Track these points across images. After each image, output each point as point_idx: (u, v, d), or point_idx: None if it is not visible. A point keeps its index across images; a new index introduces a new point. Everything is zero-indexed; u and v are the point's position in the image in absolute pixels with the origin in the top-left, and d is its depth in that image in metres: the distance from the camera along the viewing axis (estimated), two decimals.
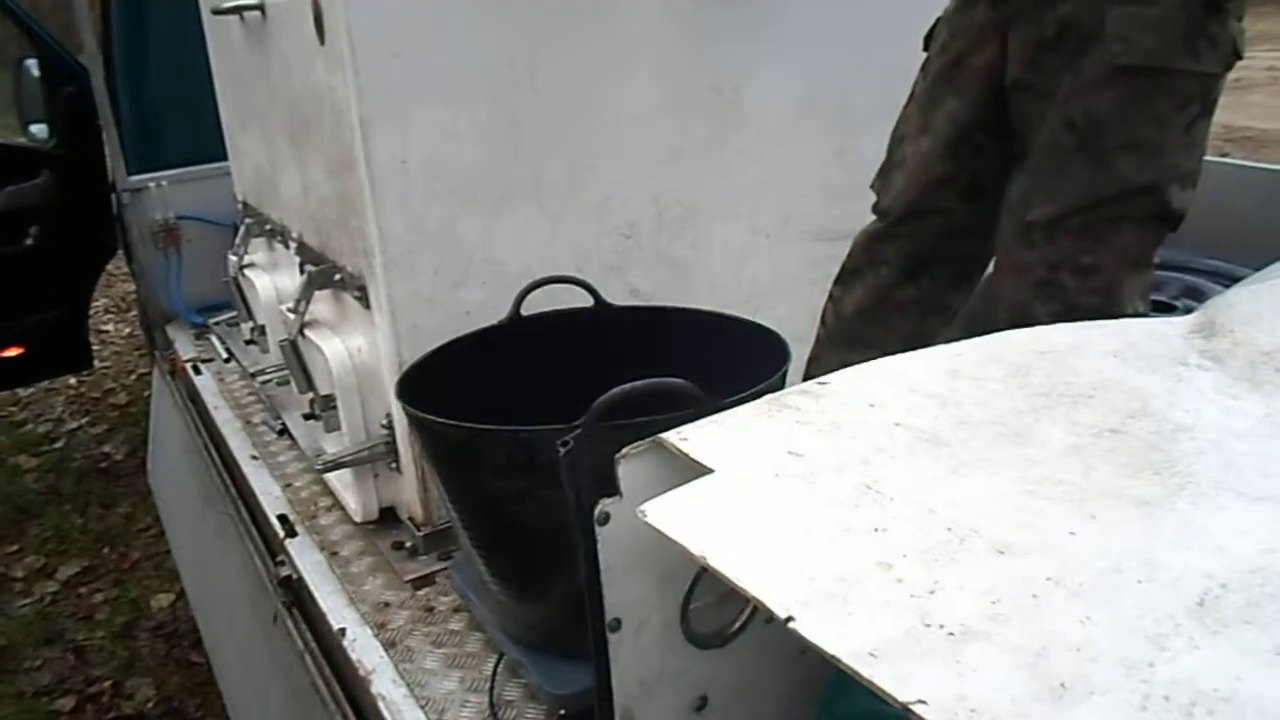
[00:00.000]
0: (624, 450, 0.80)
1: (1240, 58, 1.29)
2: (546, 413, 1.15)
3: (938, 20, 1.50)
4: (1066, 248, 1.31)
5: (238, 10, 1.93)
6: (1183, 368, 0.95)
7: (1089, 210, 1.29)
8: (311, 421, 1.89)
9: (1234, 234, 2.29)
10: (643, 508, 0.67)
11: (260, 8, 1.89)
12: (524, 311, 1.51)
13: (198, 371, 2.71)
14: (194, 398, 2.61)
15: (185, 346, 2.94)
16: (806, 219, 1.92)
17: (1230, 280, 2.08)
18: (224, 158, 2.67)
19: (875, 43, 1.85)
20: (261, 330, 2.32)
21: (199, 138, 2.94)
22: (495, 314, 1.53)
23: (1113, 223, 1.29)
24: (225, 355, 2.77)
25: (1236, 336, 0.97)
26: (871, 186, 1.58)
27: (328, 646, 1.54)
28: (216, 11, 2.02)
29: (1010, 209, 1.37)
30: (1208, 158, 2.58)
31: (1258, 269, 1.22)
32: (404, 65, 1.52)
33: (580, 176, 1.69)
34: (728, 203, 1.84)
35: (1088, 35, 1.24)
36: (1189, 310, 2.13)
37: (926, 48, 1.52)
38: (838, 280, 1.64)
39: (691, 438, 0.79)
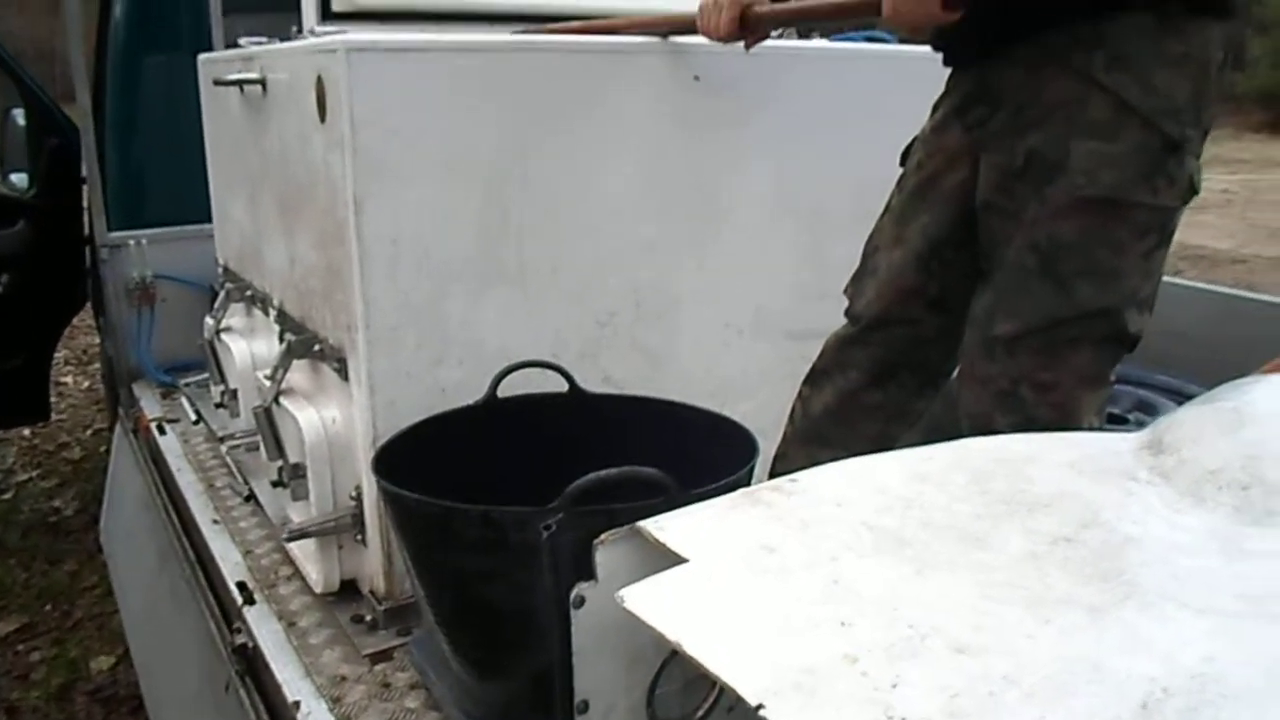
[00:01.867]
0: (602, 536, 0.83)
1: (1197, 193, 1.38)
2: (518, 494, 1.18)
3: (914, 139, 1.58)
4: (1027, 364, 1.37)
5: (239, 83, 1.99)
6: (1133, 482, 1.00)
7: (1049, 330, 1.35)
8: (278, 489, 1.89)
9: (1184, 352, 2.38)
10: (621, 593, 0.70)
11: (262, 82, 1.94)
12: (500, 393, 1.54)
13: (162, 431, 2.70)
14: (156, 458, 2.59)
15: (151, 405, 2.93)
16: (779, 316, 1.98)
17: (1180, 396, 2.16)
18: (206, 219, 2.70)
19: (850, 151, 1.94)
20: (233, 394, 2.32)
21: (182, 198, 2.98)
22: (472, 393, 1.56)
23: (1071, 343, 1.36)
24: (195, 417, 2.77)
25: (1183, 454, 1.02)
26: (845, 291, 1.64)
27: (281, 719, 1.52)
28: (218, 82, 2.07)
29: (975, 323, 1.43)
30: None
31: (1207, 387, 1.28)
32: (400, 146, 1.58)
33: (563, 263, 1.75)
34: (703, 296, 1.90)
35: (1053, 166, 1.32)
36: (1140, 424, 2.20)
37: (903, 163, 1.60)
38: (808, 380, 1.69)
39: (668, 527, 0.82)
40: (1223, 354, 1.98)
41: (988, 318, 1.41)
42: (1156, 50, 1.29)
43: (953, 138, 1.48)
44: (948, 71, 1.52)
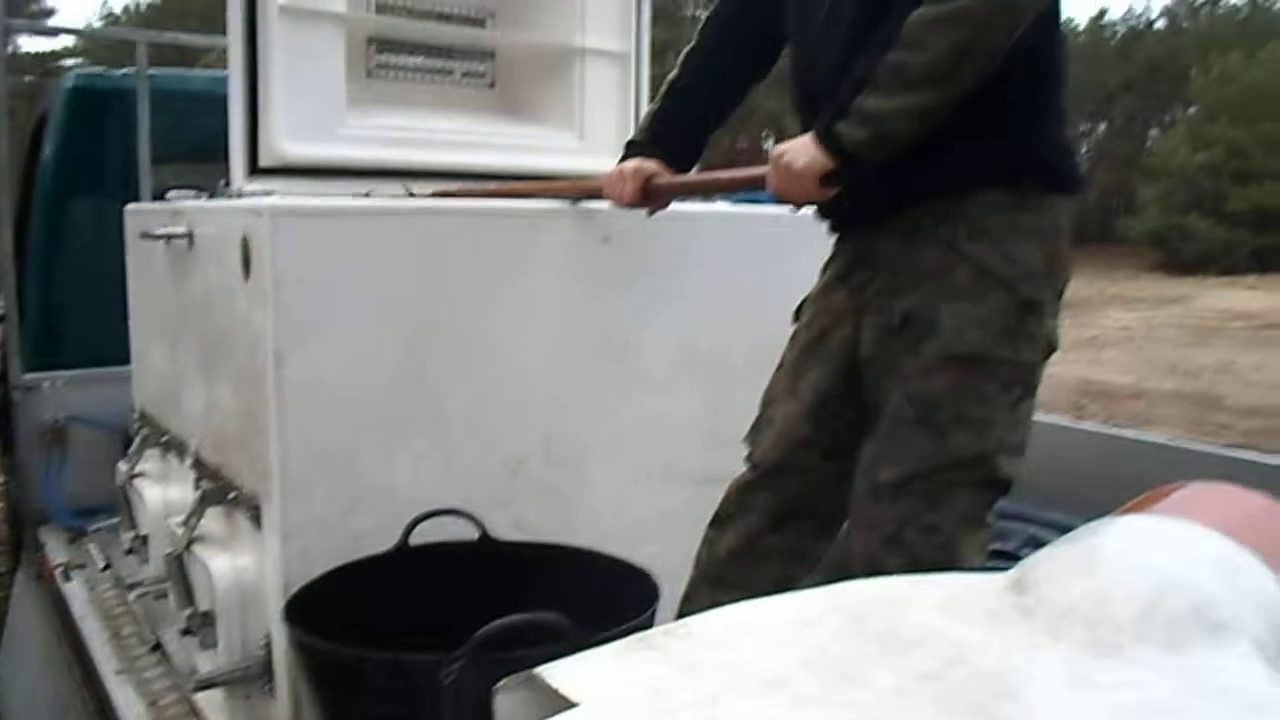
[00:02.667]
0: (501, 682, 0.88)
1: (1055, 349, 1.52)
2: (428, 641, 1.22)
3: (805, 298, 1.71)
4: (910, 508, 1.47)
5: (166, 237, 2.06)
6: (997, 620, 1.08)
7: (929, 476, 1.46)
8: (187, 637, 1.88)
9: (1072, 489, 2.51)
10: None
11: (188, 236, 2.02)
12: (413, 540, 1.59)
13: (67, 577, 2.65)
14: (60, 605, 2.53)
15: (57, 550, 2.87)
16: (685, 463, 2.06)
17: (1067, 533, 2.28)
18: (123, 362, 2.71)
19: (750, 306, 2.07)
20: (144, 541, 2.31)
21: (100, 341, 2.99)
22: (384, 540, 1.60)
23: (949, 488, 1.46)
24: (103, 563, 2.72)
25: (1041, 593, 1.11)
26: (745, 439, 1.74)
27: None
28: (146, 236, 2.14)
29: (863, 470, 1.54)
30: (1052, 420, 2.85)
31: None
32: (321, 302, 1.66)
33: (477, 413, 1.82)
34: (613, 443, 1.98)
35: (926, 326, 1.45)
36: None
37: (795, 320, 1.72)
38: (712, 523, 1.76)
39: (562, 673, 0.87)
40: (1110, 491, 2.12)
41: (873, 465, 1.51)
42: (1011, 223, 1.44)
43: (838, 298, 1.61)
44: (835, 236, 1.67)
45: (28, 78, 18.38)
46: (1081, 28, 38.43)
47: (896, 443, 1.48)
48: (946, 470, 1.46)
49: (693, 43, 1.80)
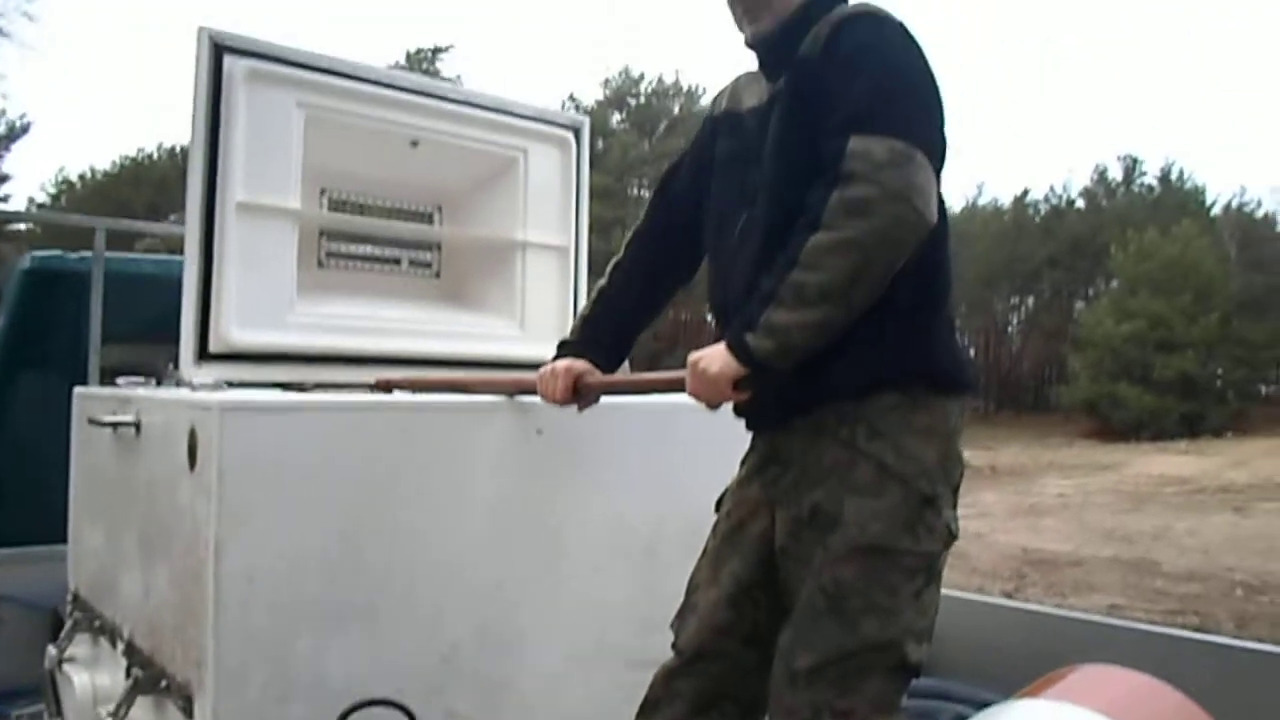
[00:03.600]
0: None
1: (955, 538, 1.63)
2: None
3: (726, 490, 1.82)
4: (825, 693, 1.54)
5: (114, 425, 2.12)
6: None
7: (840, 662, 1.54)
8: None
9: (997, 666, 2.58)
10: None
11: (136, 425, 2.08)
12: None
13: None
14: None
15: None
16: (618, 647, 2.11)
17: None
18: (56, 540, 2.70)
19: (678, 494, 2.17)
20: None
21: (34, 518, 2.98)
22: None
23: (860, 673, 1.54)
24: None
25: None
26: (670, 625, 1.81)
27: None
28: (94, 422, 2.20)
29: (780, 656, 1.61)
30: (977, 597, 2.95)
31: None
32: (263, 494, 1.73)
33: (411, 601, 1.87)
34: (546, 629, 2.03)
35: (832, 519, 1.56)
36: None
37: (717, 510, 1.82)
38: (641, 709, 1.80)
39: None
40: (1031, 666, 2.20)
41: (790, 652, 1.59)
42: (907, 424, 1.58)
43: (754, 491, 1.72)
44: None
45: None
46: (1006, 206, 40.57)
47: (810, 630, 1.56)
48: (857, 656, 1.54)
49: (619, 254, 1.96)
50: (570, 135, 2.83)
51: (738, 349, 1.53)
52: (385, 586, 1.84)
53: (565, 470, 2.07)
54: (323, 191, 2.62)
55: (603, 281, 1.97)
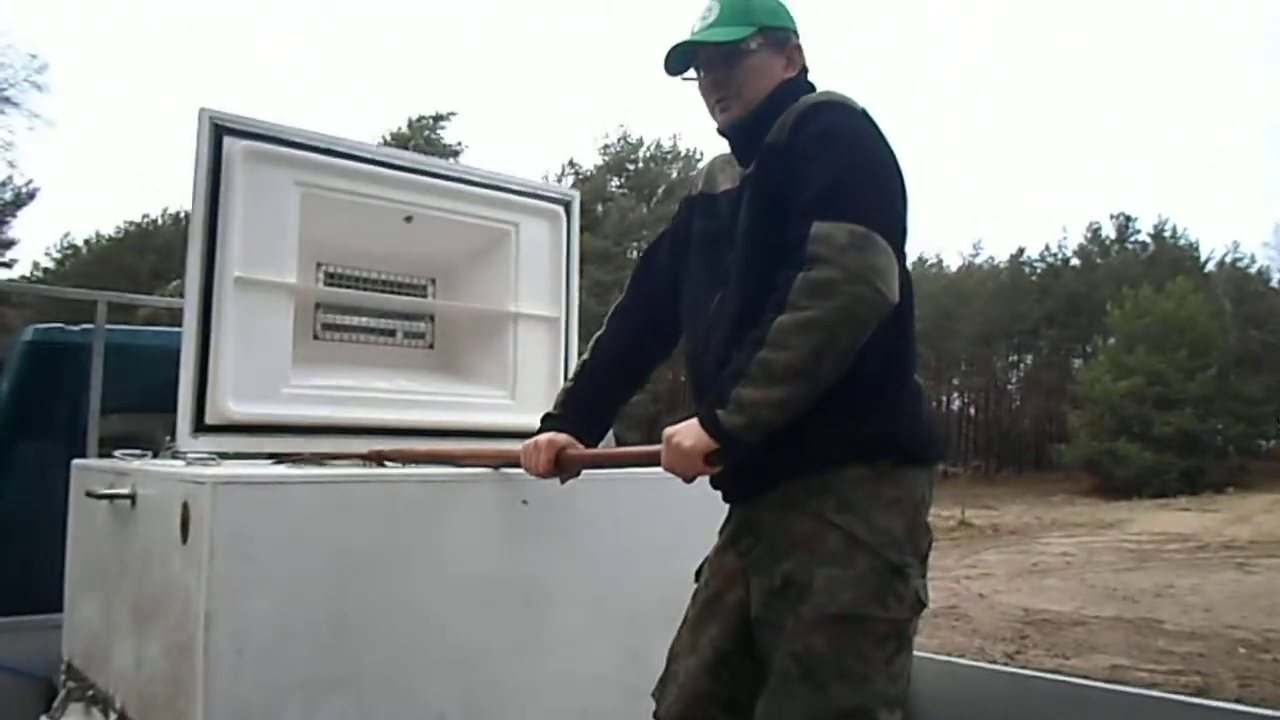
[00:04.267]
0: None
1: (925, 605, 1.67)
2: None
3: (705, 559, 1.87)
4: None
5: (110, 497, 2.17)
6: None
7: None
8: None
9: None
10: None
11: (132, 497, 2.14)
12: None
13: None
14: None
15: None
16: (602, 715, 2.14)
17: None
18: (48, 610, 2.74)
19: (660, 562, 2.21)
20: None
21: (29, 587, 3.00)
22: None
23: None
24: None
25: None
26: (652, 694, 1.84)
27: None
28: (91, 495, 2.25)
29: None
30: (960, 660, 2.97)
31: None
32: (253, 569, 1.77)
33: (397, 669, 1.91)
34: (531, 696, 2.07)
35: (803, 589, 1.61)
36: None
37: (696, 580, 1.87)
38: None
39: None
40: None
41: (765, 719, 1.62)
42: (874, 495, 1.63)
43: (729, 561, 1.77)
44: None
45: None
46: (1003, 264, 40.88)
47: (783, 697, 1.60)
48: None
49: (601, 330, 2.03)
50: (561, 209, 2.91)
51: (709, 424, 1.59)
52: (372, 656, 1.88)
53: (550, 540, 2.12)
54: (319, 265, 2.68)
55: (585, 355, 2.04)
